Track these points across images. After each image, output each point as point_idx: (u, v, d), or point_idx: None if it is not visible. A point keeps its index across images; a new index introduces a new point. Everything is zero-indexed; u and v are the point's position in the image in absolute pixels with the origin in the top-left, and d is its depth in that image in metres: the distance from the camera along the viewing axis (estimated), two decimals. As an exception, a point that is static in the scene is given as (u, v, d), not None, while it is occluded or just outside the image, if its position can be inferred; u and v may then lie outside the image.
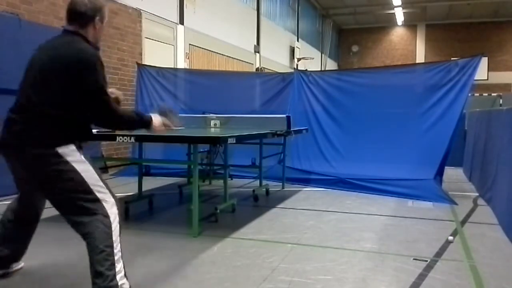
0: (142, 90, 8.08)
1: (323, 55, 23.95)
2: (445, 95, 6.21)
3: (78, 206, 2.35)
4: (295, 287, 2.86)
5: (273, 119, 6.06)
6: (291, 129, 6.01)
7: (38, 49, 2.51)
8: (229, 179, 6.06)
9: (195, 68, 11.28)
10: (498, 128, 5.26)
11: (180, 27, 10.82)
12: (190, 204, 4.22)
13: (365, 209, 5.20)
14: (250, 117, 6.34)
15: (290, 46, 19.09)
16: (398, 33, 26.16)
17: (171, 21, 10.50)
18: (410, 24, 25.35)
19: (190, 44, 11.32)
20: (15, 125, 2.37)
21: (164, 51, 10.24)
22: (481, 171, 6.30)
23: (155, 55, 9.58)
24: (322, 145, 7.07)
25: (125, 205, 4.69)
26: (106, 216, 2.36)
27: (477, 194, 6.16)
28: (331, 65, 24.95)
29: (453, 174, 7.98)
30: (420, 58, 24.70)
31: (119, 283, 2.34)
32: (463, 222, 4.66)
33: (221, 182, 5.78)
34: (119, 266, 2.36)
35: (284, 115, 6.12)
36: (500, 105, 14.16)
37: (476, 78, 6.22)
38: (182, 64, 10.81)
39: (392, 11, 22.69)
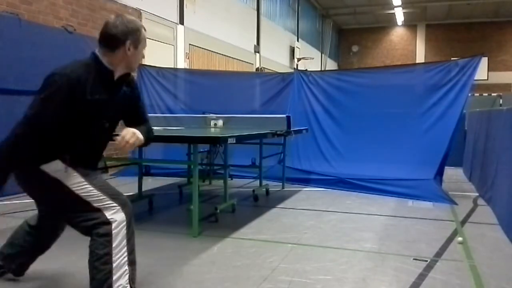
0: (142, 90, 8.07)
1: (323, 55, 23.96)
2: (445, 95, 6.21)
3: (77, 218, 2.31)
4: (295, 287, 2.86)
5: (273, 119, 6.07)
6: (291, 129, 6.01)
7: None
8: (229, 179, 6.06)
9: (195, 68, 11.28)
10: (498, 128, 5.26)
11: (180, 27, 10.83)
12: (190, 204, 4.22)
13: (365, 209, 5.20)
14: (250, 117, 6.34)
15: (290, 46, 19.09)
16: (398, 33, 26.17)
17: (171, 21, 10.50)
18: (410, 24, 25.36)
19: (190, 44, 11.32)
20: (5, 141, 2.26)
21: (164, 51, 10.24)
22: (481, 171, 6.30)
23: (155, 55, 9.57)
24: (322, 145, 7.07)
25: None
26: (108, 223, 2.27)
27: (477, 194, 6.16)
28: (331, 65, 24.95)
29: (453, 174, 7.98)
30: (420, 58, 24.70)
31: None
32: (463, 222, 4.66)
33: (221, 182, 5.78)
34: (118, 274, 2.26)
35: (284, 115, 6.12)
36: (500, 105, 14.15)
37: (476, 78, 6.22)
38: (182, 64, 10.81)
39: (392, 11, 22.69)
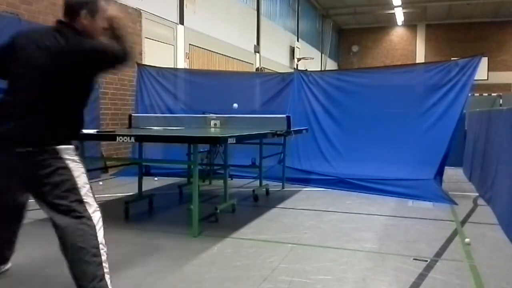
0: (142, 90, 8.08)
1: (323, 55, 23.95)
2: (445, 95, 6.21)
3: (66, 206, 2.32)
4: (295, 287, 2.86)
5: (273, 119, 6.07)
6: (291, 129, 6.01)
7: (28, 36, 2.46)
8: (229, 179, 6.06)
9: (195, 68, 11.28)
10: (498, 128, 5.26)
11: (180, 27, 10.82)
12: (190, 204, 4.22)
13: (365, 209, 5.20)
14: (250, 117, 6.34)
15: (290, 46, 19.09)
16: (398, 33, 26.16)
17: (171, 21, 10.50)
18: (410, 24, 25.35)
19: (190, 44, 11.32)
20: (12, 121, 2.33)
21: (164, 51, 10.24)
22: (481, 171, 6.30)
23: (155, 55, 9.58)
24: (322, 145, 7.07)
25: (125, 205, 4.70)
26: (90, 218, 2.35)
27: (477, 194, 6.16)
28: (331, 65, 24.95)
29: (453, 174, 7.97)
30: (420, 58, 24.69)
31: (108, 283, 2.32)
32: (463, 222, 4.66)
33: (221, 182, 5.78)
34: (106, 268, 2.33)
35: (284, 115, 6.12)
36: (500, 105, 14.15)
37: (476, 78, 6.22)
38: (182, 64, 10.81)
39: (392, 11, 22.68)
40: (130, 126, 6.46)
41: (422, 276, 3.04)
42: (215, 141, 4.39)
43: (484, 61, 17.87)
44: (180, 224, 4.48)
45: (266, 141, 5.89)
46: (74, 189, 2.35)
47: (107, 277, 2.33)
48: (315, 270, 3.15)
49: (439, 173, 6.06)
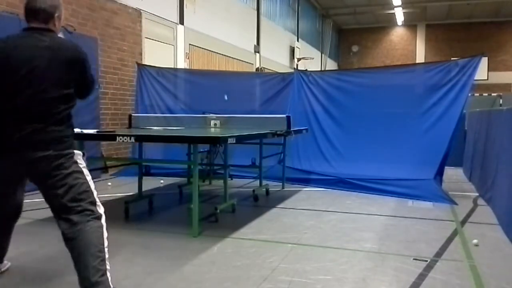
0: (142, 90, 8.08)
1: (323, 55, 23.95)
2: (445, 95, 6.21)
3: (81, 207, 2.43)
4: (295, 287, 2.86)
5: (273, 119, 6.07)
6: (291, 129, 6.01)
7: (14, 47, 2.44)
8: (229, 179, 6.06)
9: (195, 68, 11.28)
10: (498, 128, 5.26)
11: (180, 27, 10.82)
12: (190, 204, 4.22)
13: (365, 209, 5.20)
14: (250, 117, 6.34)
15: (290, 46, 19.08)
16: (398, 33, 26.16)
17: (171, 21, 10.50)
18: (410, 24, 25.35)
19: (190, 44, 11.32)
20: (25, 127, 2.37)
21: (164, 51, 10.24)
22: (481, 171, 6.30)
23: (155, 55, 9.58)
24: (322, 145, 7.07)
25: (125, 205, 4.70)
26: (99, 217, 2.49)
27: (477, 194, 6.16)
28: (331, 65, 24.94)
29: (453, 174, 7.98)
30: (420, 58, 24.69)
31: (109, 279, 2.39)
32: (463, 222, 4.66)
33: (221, 182, 5.78)
34: (108, 265, 2.44)
35: (284, 115, 6.12)
36: (500, 105, 14.16)
37: (476, 78, 6.22)
38: (182, 64, 10.81)
39: (392, 11, 22.68)
40: (130, 126, 6.46)
41: (422, 276, 3.04)
42: (215, 141, 4.39)
43: (484, 61, 17.86)
44: (180, 224, 4.48)
45: (266, 141, 5.89)
46: (88, 191, 2.49)
47: (108, 274, 2.41)
48: (315, 270, 3.15)
49: (439, 173, 6.06)
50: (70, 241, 2.41)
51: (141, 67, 8.29)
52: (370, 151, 6.49)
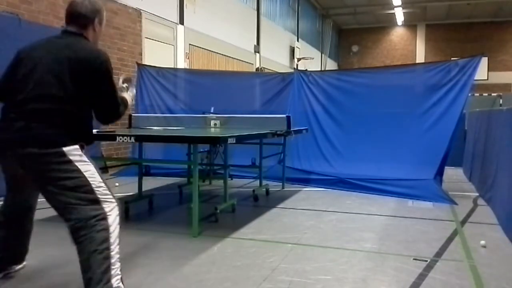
0: (142, 90, 8.08)
1: (323, 55, 23.95)
2: (445, 95, 6.21)
3: (77, 206, 2.32)
4: (295, 287, 2.86)
5: (273, 119, 6.07)
6: (291, 129, 6.01)
7: (34, 48, 2.50)
8: (229, 179, 6.06)
9: (195, 68, 11.28)
10: (498, 128, 5.26)
11: (180, 27, 10.82)
12: (190, 204, 4.22)
13: (365, 209, 5.20)
14: (250, 117, 6.34)
15: (290, 46, 19.08)
16: (398, 33, 26.16)
17: (171, 21, 10.50)
18: (410, 24, 25.35)
19: (190, 44, 11.32)
20: (18, 123, 2.34)
21: (164, 51, 10.24)
22: (481, 171, 6.30)
23: (155, 55, 9.58)
24: (322, 145, 7.07)
25: (125, 205, 4.70)
26: (105, 218, 2.34)
27: (477, 194, 6.16)
28: (331, 65, 24.94)
29: (453, 174, 7.98)
30: (420, 58, 24.69)
31: (113, 286, 2.31)
32: (463, 222, 4.66)
33: (221, 182, 5.78)
34: (115, 269, 2.33)
35: (284, 115, 6.12)
36: (500, 105, 14.16)
37: (476, 78, 6.22)
38: (182, 64, 10.81)
39: (392, 11, 22.68)
40: (130, 126, 6.46)
41: (422, 276, 3.04)
42: (215, 141, 4.39)
43: (484, 61, 17.87)
44: (180, 224, 4.48)
45: (266, 141, 5.89)
46: (87, 189, 2.34)
47: (114, 279, 2.31)
48: (315, 270, 3.15)
49: (439, 173, 6.06)
50: (75, 245, 2.33)
51: (141, 67, 8.29)
52: (370, 151, 6.49)
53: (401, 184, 5.92)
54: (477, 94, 16.14)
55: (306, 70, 8.51)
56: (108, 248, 2.30)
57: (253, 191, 5.79)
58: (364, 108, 6.76)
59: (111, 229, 2.34)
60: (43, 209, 2.92)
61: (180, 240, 3.86)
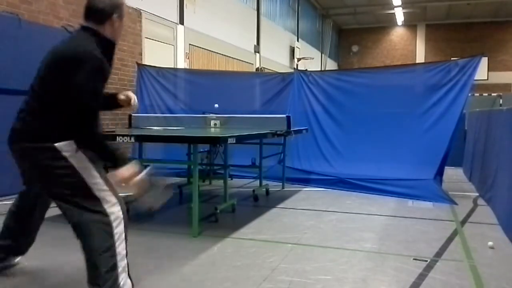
0: (142, 90, 8.08)
1: (323, 55, 23.94)
2: (445, 95, 6.21)
3: (75, 203, 2.30)
4: (295, 287, 2.86)
5: (273, 119, 6.07)
6: (291, 129, 6.01)
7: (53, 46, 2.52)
8: (229, 179, 6.06)
9: (195, 68, 11.27)
10: (498, 128, 5.26)
11: (180, 27, 10.82)
12: (190, 203, 4.22)
13: (365, 209, 5.20)
14: (250, 117, 6.34)
15: (290, 46, 19.08)
16: (398, 33, 26.15)
17: (171, 21, 10.50)
18: (410, 24, 25.34)
19: (190, 44, 11.31)
20: (18, 119, 2.39)
21: (164, 51, 10.23)
22: (481, 171, 6.30)
23: (155, 55, 9.57)
24: (322, 145, 7.07)
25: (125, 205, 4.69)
26: (106, 215, 2.30)
27: (477, 194, 6.16)
28: (331, 65, 24.93)
29: (453, 174, 7.98)
30: (420, 58, 24.68)
31: (120, 284, 2.31)
32: (463, 222, 4.66)
33: (221, 182, 5.78)
34: (121, 267, 2.33)
35: (284, 115, 6.12)
36: (500, 105, 14.16)
37: (476, 78, 6.22)
38: (182, 64, 10.80)
39: (392, 11, 22.67)
40: (130, 126, 6.46)
41: (422, 276, 3.04)
42: (215, 141, 4.39)
43: (484, 61, 17.87)
44: (180, 224, 4.48)
45: (266, 141, 5.89)
46: (81, 185, 2.29)
47: (120, 277, 2.31)
48: (315, 270, 3.15)
49: (439, 173, 6.06)
50: (77, 238, 2.32)
51: (141, 67, 8.29)
52: (370, 151, 6.49)
53: (401, 184, 5.92)
54: (477, 94, 16.12)
55: (306, 70, 8.51)
56: (112, 245, 2.29)
57: (253, 191, 5.79)
58: (364, 108, 6.76)
59: (114, 225, 2.32)
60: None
61: (180, 240, 3.86)
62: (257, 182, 6.36)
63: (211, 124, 6.39)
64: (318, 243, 3.87)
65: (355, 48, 26.63)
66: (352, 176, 6.34)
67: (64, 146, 2.29)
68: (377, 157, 6.39)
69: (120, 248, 2.32)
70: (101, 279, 2.26)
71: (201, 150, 6.15)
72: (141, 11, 9.20)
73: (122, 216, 2.38)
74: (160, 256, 3.43)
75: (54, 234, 3.66)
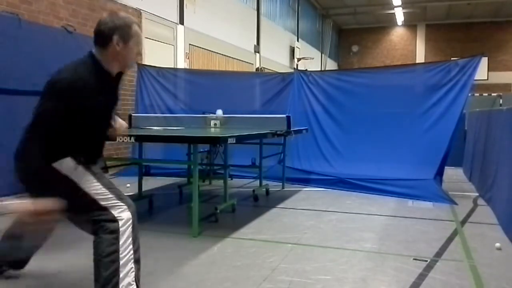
0: (142, 90, 8.08)
1: (323, 55, 23.95)
2: (445, 95, 6.21)
3: (79, 215, 2.34)
4: (295, 287, 2.86)
5: (273, 119, 6.06)
6: (291, 129, 6.01)
7: None
8: (229, 179, 6.06)
9: (195, 68, 11.28)
10: (498, 128, 5.26)
11: (180, 27, 10.82)
12: (190, 203, 4.22)
13: (365, 209, 5.20)
14: (250, 117, 6.34)
15: (290, 46, 19.08)
16: (398, 33, 26.16)
17: (171, 21, 10.50)
18: (410, 24, 25.34)
19: (190, 44, 11.31)
20: (21, 139, 2.32)
21: (164, 51, 10.23)
22: (481, 171, 6.30)
23: (155, 55, 9.57)
24: (322, 145, 7.07)
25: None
26: (114, 220, 2.31)
27: (477, 194, 6.16)
28: (331, 65, 24.94)
29: (453, 174, 7.98)
30: (420, 58, 24.68)
31: None
32: (463, 222, 4.66)
33: (221, 182, 5.78)
34: (124, 272, 2.29)
35: (284, 115, 6.12)
36: (500, 105, 14.16)
37: (476, 78, 6.22)
38: (182, 64, 10.81)
39: (392, 11, 22.67)
40: (130, 126, 6.45)
41: (422, 276, 3.04)
42: (215, 141, 4.39)
43: (484, 61, 17.88)
44: (180, 224, 4.48)
45: (266, 141, 5.89)
46: (83, 198, 2.30)
47: (122, 283, 2.28)
48: (315, 270, 3.15)
49: (439, 173, 6.06)
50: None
51: (141, 67, 8.29)
52: (370, 151, 6.49)
53: (401, 184, 5.92)
54: (477, 94, 16.13)
55: (306, 70, 8.51)
56: (116, 251, 2.27)
57: (253, 191, 5.79)
58: (364, 108, 6.76)
59: (121, 230, 2.31)
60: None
61: (180, 240, 3.86)
62: (257, 182, 6.36)
63: (211, 124, 6.39)
64: (318, 243, 3.87)
65: (355, 48, 26.64)
66: (352, 176, 6.34)
67: (62, 164, 2.27)
68: (377, 157, 6.39)
69: (125, 253, 2.30)
70: (102, 282, 2.25)
71: (201, 150, 6.16)
72: (141, 11, 9.20)
73: (131, 220, 2.38)
74: (160, 256, 3.43)
75: (56, 235, 3.66)
